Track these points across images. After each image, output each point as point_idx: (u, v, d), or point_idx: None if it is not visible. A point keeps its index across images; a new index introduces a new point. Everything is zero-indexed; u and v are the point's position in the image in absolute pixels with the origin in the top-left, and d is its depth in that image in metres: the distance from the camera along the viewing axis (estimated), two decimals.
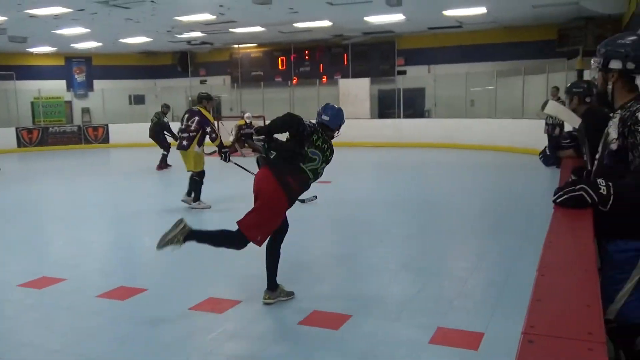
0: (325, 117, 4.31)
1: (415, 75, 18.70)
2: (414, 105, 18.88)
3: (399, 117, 18.35)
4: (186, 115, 7.88)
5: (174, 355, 3.31)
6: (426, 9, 14.02)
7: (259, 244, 3.97)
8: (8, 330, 3.78)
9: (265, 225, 3.96)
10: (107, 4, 12.52)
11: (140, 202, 9.15)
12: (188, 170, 7.94)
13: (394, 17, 15.09)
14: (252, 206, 3.99)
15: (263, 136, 4.10)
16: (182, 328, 3.71)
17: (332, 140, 4.30)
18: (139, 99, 22.17)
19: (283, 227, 4.17)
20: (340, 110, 4.42)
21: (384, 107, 19.38)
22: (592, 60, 2.46)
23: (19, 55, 20.90)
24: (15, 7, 12.71)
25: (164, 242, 3.85)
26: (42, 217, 8.20)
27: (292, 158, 3.99)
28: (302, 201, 5.12)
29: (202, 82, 22.39)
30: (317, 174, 4.12)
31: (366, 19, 15.27)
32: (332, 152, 4.24)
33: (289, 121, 4.02)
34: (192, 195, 7.93)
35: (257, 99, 20.14)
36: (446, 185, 10.12)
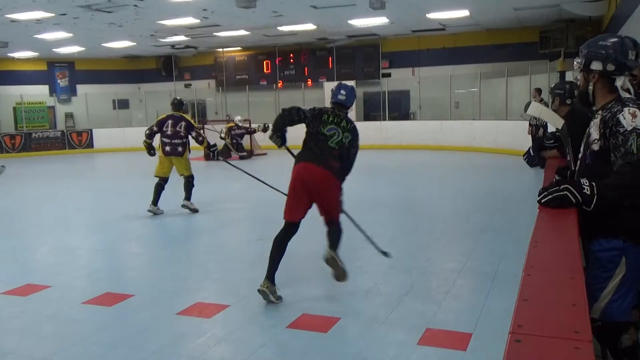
0: (341, 97, 4.59)
1: (399, 78, 18.81)
2: (399, 107, 18.98)
3: (384, 119, 18.44)
4: (170, 122, 7.78)
5: (162, 359, 3.29)
6: (410, 12, 14.11)
7: None
8: None
9: (340, 207, 4.55)
10: (90, 8, 12.43)
11: (125, 207, 9.07)
12: (181, 175, 7.86)
13: (378, 20, 15.16)
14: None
15: (277, 136, 4.52)
16: (170, 333, 3.69)
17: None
18: (123, 104, 22.03)
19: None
20: (353, 89, 4.75)
21: (369, 110, 19.46)
22: (575, 61, 2.50)
23: (0, 61, 20.65)
24: None
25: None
26: (25, 224, 8.10)
27: (317, 142, 4.38)
28: None
29: (186, 86, 22.30)
30: (342, 144, 4.46)
31: (350, 22, 15.33)
32: (349, 122, 4.57)
33: (286, 114, 4.40)
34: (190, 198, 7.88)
35: (243, 103, 20.11)
36: (432, 187, 10.19)
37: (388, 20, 15.11)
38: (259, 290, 4.11)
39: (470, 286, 4.60)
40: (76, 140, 20.93)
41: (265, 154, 17.04)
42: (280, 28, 16.22)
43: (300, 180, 4.33)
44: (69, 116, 22.30)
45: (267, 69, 20.77)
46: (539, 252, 1.65)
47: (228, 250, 6.18)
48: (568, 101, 3.76)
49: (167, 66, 22.38)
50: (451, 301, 4.13)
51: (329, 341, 3.48)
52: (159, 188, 7.83)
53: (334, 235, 4.45)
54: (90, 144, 20.97)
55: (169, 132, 7.71)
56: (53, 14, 13.00)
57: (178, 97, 8.33)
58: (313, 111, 4.48)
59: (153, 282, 4.91)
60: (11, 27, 14.35)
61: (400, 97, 19.01)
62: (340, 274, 4.24)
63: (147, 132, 7.87)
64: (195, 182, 7.91)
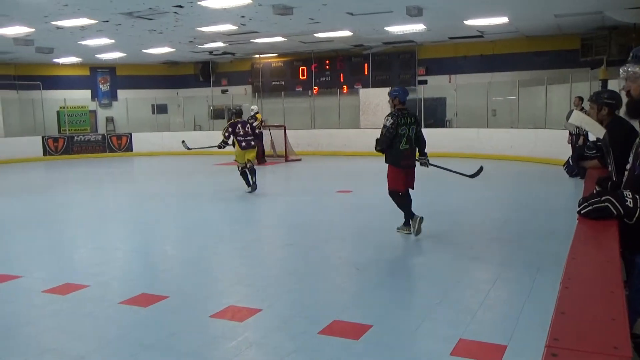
0: (396, 94, 6.48)
1: (436, 85, 18.66)
2: (434, 114, 18.81)
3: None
4: (239, 125, 10.36)
5: None
6: (447, 18, 13.99)
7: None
8: (33, 335, 3.84)
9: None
10: (132, 15, 12.73)
11: (162, 210, 9.25)
12: (248, 161, 10.23)
13: (415, 27, 15.08)
14: None
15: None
16: (203, 336, 3.73)
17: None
18: (161, 109, 22.45)
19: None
20: (403, 87, 6.74)
21: None
22: (621, 70, 2.42)
23: (46, 66, 21.34)
24: (42, 19, 13.00)
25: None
26: (66, 224, 8.33)
27: (392, 145, 6.26)
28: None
29: (223, 91, 22.60)
30: (410, 138, 6.30)
31: (387, 28, 15.30)
32: (410, 115, 6.46)
33: (383, 142, 6.31)
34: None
35: (278, 109, 20.26)
36: (466, 195, 10.03)
37: (425, 27, 15.02)
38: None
39: (505, 297, 4.51)
40: (116, 143, 21.43)
41: (300, 159, 17.12)
42: (316, 35, 16.30)
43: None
44: (110, 120, 22.88)
45: (303, 75, 20.88)
46: (578, 264, 1.61)
47: (260, 254, 6.22)
48: (617, 111, 3.66)
49: (204, 72, 22.74)
50: (485, 312, 4.06)
51: (360, 349, 3.46)
52: (244, 174, 10.36)
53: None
54: (129, 148, 21.43)
55: (241, 133, 10.27)
56: (96, 21, 13.37)
57: (237, 107, 11.38)
58: (390, 126, 6.25)
59: (187, 285, 4.97)
60: (57, 34, 14.82)
61: (436, 105, 18.85)
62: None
63: (226, 134, 10.31)
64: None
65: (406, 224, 6.49)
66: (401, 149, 6.24)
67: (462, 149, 16.85)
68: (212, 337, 3.71)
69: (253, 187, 10.13)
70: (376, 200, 9.67)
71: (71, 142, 20.93)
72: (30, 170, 16.55)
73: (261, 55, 21.22)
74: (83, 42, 16.48)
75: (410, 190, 6.59)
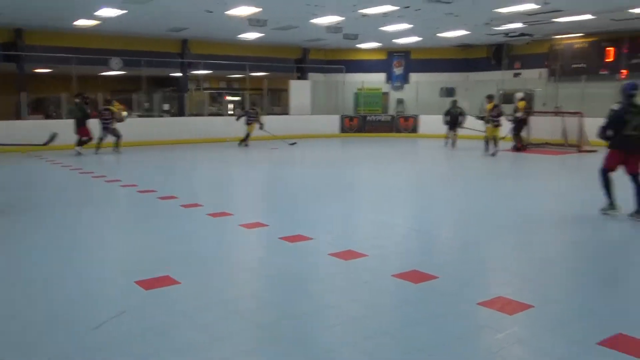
0: (632, 91, 6.78)
1: None
2: None
3: None
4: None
5: (455, 347, 3.33)
6: None
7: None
8: (318, 292, 4.34)
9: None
10: (431, 0, 13.03)
11: (443, 192, 9.39)
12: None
13: None
14: None
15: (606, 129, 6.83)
16: (469, 322, 3.70)
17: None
18: (449, 92, 22.64)
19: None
20: (626, 84, 6.94)
21: None
22: None
23: (349, 51, 23.43)
24: (351, 8, 14.25)
25: None
26: (355, 197, 9.12)
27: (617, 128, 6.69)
28: None
29: (515, 75, 21.62)
30: (638, 127, 6.59)
31: None
32: (636, 106, 6.67)
33: (612, 120, 6.76)
34: None
35: (576, 94, 18.49)
36: None
37: None
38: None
39: None
40: (403, 124, 22.45)
41: (595, 150, 15.40)
42: (632, 10, 14.29)
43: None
44: (400, 102, 24.05)
45: (610, 56, 18.59)
46: None
47: (539, 249, 5.83)
48: None
49: (497, 55, 22.07)
50: None
51: None
52: (487, 142, 14.71)
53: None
54: (414, 129, 22.23)
55: (495, 114, 14.52)
56: (398, 7, 14.08)
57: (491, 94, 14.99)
58: (619, 110, 6.74)
59: (458, 268, 4.97)
60: (362, 21, 16.11)
61: None
62: None
63: (489, 116, 14.47)
64: None
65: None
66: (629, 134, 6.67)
67: None
68: (478, 325, 3.65)
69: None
70: None
71: (364, 121, 22.68)
72: (330, 145, 18.48)
73: (562, 36, 19.57)
74: (383, 28, 17.56)
75: None
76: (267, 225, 6.50)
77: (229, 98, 26.98)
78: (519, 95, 16.25)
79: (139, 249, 5.62)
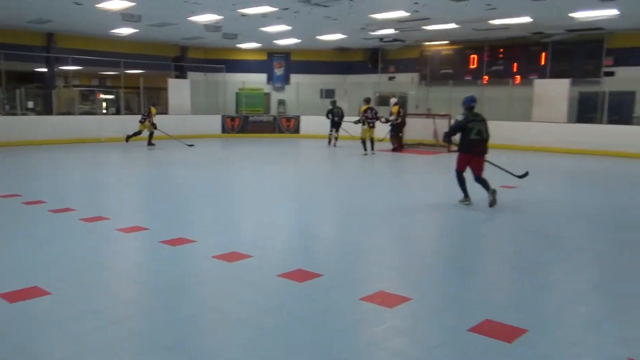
0: (471, 104, 8.02)
1: (625, 77, 16.82)
2: (620, 110, 16.99)
3: (601, 122, 16.66)
4: (369, 111, 15.45)
5: (341, 341, 3.42)
6: None
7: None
8: (201, 295, 4.24)
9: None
10: (309, 2, 13.26)
11: (323, 190, 9.60)
12: (364, 138, 15.52)
13: (606, 12, 13.71)
14: None
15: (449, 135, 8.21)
16: (351, 316, 3.82)
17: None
18: (329, 93, 23.22)
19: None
20: (465, 98, 8.14)
21: (584, 112, 17.75)
22: None
23: (229, 50, 23.17)
24: (230, 7, 14.09)
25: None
26: (236, 197, 9.04)
27: (463, 134, 7.91)
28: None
29: (390, 78, 22.66)
30: (481, 132, 7.84)
31: (572, 15, 14.11)
32: (477, 115, 7.96)
33: (455, 128, 8.03)
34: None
35: (444, 97, 19.79)
36: None
37: (618, 12, 13.58)
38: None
39: None
40: (285, 125, 22.64)
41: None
42: (492, 22, 15.57)
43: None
44: (281, 103, 24.25)
45: (473, 63, 20.13)
46: None
47: (416, 242, 6.17)
48: None
49: (373, 59, 22.98)
50: None
51: (512, 353, 3.28)
52: (364, 143, 15.42)
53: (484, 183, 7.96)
54: (296, 129, 22.52)
55: (370, 116, 15.24)
56: (277, 9, 14.16)
57: (368, 97, 16.34)
58: (463, 120, 7.92)
59: (341, 265, 5.11)
60: (241, 21, 16.00)
61: (623, 99, 17.00)
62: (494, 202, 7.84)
63: (363, 118, 15.37)
64: None
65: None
66: (472, 137, 7.85)
67: None
68: (360, 319, 3.78)
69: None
70: (543, 198, 9.05)
71: (246, 121, 22.56)
72: (210, 145, 18.16)
73: (431, 43, 20.85)
74: (263, 29, 17.58)
75: None
76: (147, 229, 6.24)
77: (102, 96, 25.52)
78: (393, 100, 17.22)
79: (1, 258, 5.13)
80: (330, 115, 17.82)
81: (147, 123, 16.63)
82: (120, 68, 20.48)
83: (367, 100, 15.83)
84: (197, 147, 17.07)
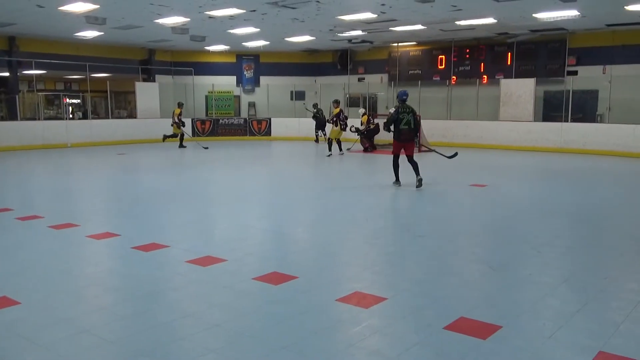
0: (403, 97, 9.48)
1: (587, 76, 17.26)
2: (583, 108, 17.43)
3: (566, 121, 17.07)
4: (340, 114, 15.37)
5: (319, 342, 3.42)
6: (605, 4, 12.86)
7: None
8: (176, 301, 4.19)
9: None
10: (277, 4, 13.24)
11: (295, 192, 9.59)
12: (331, 138, 15.62)
13: (567, 13, 14.05)
14: None
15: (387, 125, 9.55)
16: (328, 317, 3.82)
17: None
18: (300, 95, 23.21)
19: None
20: (399, 92, 9.70)
21: (549, 110, 18.15)
22: None
23: (197, 53, 22.95)
24: (197, 9, 13.97)
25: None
26: (208, 201, 8.96)
27: (395, 125, 9.38)
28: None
29: (360, 79, 22.77)
30: (409, 122, 9.28)
31: (535, 15, 14.42)
32: (407, 107, 9.39)
33: (390, 120, 9.42)
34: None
35: (414, 98, 19.97)
36: (617, 198, 9.23)
37: (579, 13, 13.93)
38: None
39: None
40: (256, 127, 22.55)
41: (434, 150, 16.79)
42: (458, 22, 15.79)
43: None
44: (252, 105, 24.13)
45: (442, 64, 20.37)
46: None
47: (389, 243, 6.21)
48: None
49: (342, 60, 23.06)
50: (632, 325, 3.70)
51: (487, 349, 3.33)
52: (330, 143, 15.55)
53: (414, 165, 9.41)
54: (268, 132, 22.45)
55: (342, 118, 15.41)
56: (244, 11, 14.10)
57: (338, 99, 16.26)
58: (395, 112, 9.34)
59: (316, 267, 5.11)
60: (209, 23, 15.87)
61: (586, 98, 17.44)
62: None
63: (335, 119, 15.38)
64: None
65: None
66: (402, 127, 9.32)
67: (614, 147, 15.49)
68: (337, 320, 3.79)
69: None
70: (513, 196, 9.23)
71: (217, 124, 22.40)
72: (181, 149, 17.96)
73: (399, 44, 21.04)
74: (231, 31, 17.48)
75: None
76: (119, 235, 6.14)
77: (69, 100, 24.99)
78: (362, 111, 17.69)
79: None
80: (315, 119, 18.78)
81: (176, 125, 17.73)
82: (86, 72, 20.10)
83: (338, 103, 15.91)
84: (168, 150, 16.86)
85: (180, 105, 17.96)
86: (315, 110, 18.89)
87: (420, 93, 19.73)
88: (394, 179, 9.72)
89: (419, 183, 9.26)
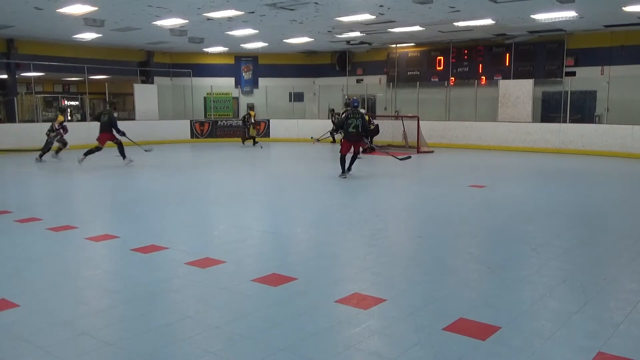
0: (355, 104, 10.93)
1: (585, 77, 17.30)
2: (582, 109, 17.47)
3: (564, 121, 17.09)
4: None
5: (318, 343, 3.42)
6: (603, 5, 12.88)
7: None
8: (175, 303, 4.19)
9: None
10: (275, 6, 13.25)
11: (294, 194, 9.58)
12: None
13: (565, 14, 14.08)
14: None
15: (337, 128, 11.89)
16: (327, 319, 3.82)
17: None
18: (298, 97, 23.22)
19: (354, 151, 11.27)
20: (352, 99, 11.20)
21: (548, 111, 18.17)
22: None
23: (196, 55, 22.96)
24: (196, 11, 13.97)
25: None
26: (208, 202, 8.95)
27: (343, 129, 11.03)
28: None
29: (358, 81, 22.78)
30: (357, 126, 10.69)
31: (533, 16, 14.44)
32: (358, 114, 10.83)
33: (339, 123, 11.23)
34: None
35: (412, 99, 20.01)
36: (616, 198, 9.24)
37: (577, 14, 13.95)
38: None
39: None
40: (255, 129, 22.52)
41: (432, 151, 16.83)
42: (456, 24, 15.81)
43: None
44: (250, 107, 24.10)
45: (440, 65, 20.40)
46: None
47: (388, 244, 6.21)
48: None
49: (341, 61, 23.07)
50: (631, 326, 3.71)
51: (486, 350, 3.33)
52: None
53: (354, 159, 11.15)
54: (267, 133, 22.44)
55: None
56: (243, 12, 14.11)
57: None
58: (344, 118, 10.88)
59: (315, 268, 5.11)
60: (207, 25, 15.87)
61: (584, 98, 17.47)
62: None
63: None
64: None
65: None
66: (351, 130, 10.86)
67: (612, 147, 15.51)
68: (337, 321, 3.79)
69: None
70: (512, 197, 9.23)
71: (215, 126, 22.40)
72: (179, 151, 17.96)
73: (398, 45, 21.06)
74: (230, 33, 17.49)
75: None
76: (118, 237, 6.14)
77: (67, 102, 24.98)
78: (362, 111, 17.55)
79: None
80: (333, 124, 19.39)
81: (251, 127, 18.97)
82: (84, 73, 20.09)
83: (347, 104, 15.72)
84: (164, 152, 16.85)
85: (252, 108, 20.10)
86: (333, 117, 19.59)
87: (418, 94, 19.75)
88: (340, 171, 11.00)
89: (345, 176, 10.83)
